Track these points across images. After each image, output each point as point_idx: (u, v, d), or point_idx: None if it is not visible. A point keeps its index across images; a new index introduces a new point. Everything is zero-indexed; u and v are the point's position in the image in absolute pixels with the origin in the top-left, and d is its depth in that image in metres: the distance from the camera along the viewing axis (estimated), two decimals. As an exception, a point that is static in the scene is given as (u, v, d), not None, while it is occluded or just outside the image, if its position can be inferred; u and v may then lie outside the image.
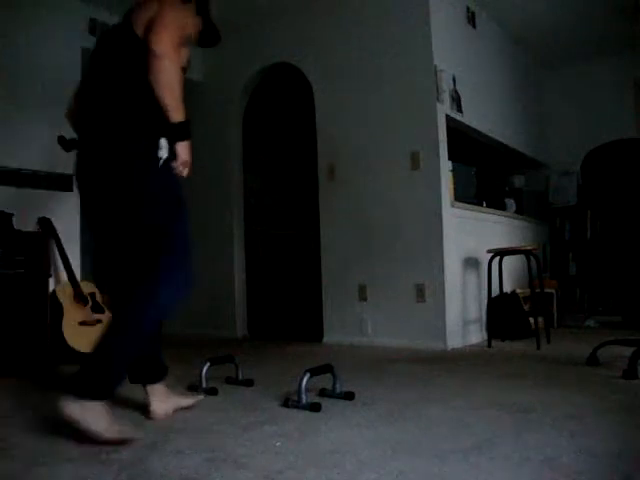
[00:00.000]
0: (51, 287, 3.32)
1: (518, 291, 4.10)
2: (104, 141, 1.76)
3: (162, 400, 1.93)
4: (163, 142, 1.73)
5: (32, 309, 3.14)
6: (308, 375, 2.01)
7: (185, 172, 1.79)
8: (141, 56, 1.69)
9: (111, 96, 1.77)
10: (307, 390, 2.00)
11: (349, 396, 2.09)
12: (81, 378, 1.61)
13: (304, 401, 1.96)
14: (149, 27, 1.69)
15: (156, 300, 1.70)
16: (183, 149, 1.75)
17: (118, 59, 1.79)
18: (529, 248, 3.68)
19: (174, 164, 1.75)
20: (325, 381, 2.16)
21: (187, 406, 1.98)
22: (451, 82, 3.77)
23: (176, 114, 1.70)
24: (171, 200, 1.79)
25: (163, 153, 1.73)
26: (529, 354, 3.19)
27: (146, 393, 1.94)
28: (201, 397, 1.94)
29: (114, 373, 1.65)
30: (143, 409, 1.96)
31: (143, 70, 1.68)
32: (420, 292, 3.54)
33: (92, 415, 1.55)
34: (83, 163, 1.84)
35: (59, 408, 1.56)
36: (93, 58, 1.90)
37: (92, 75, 1.88)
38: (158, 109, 1.70)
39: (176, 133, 1.73)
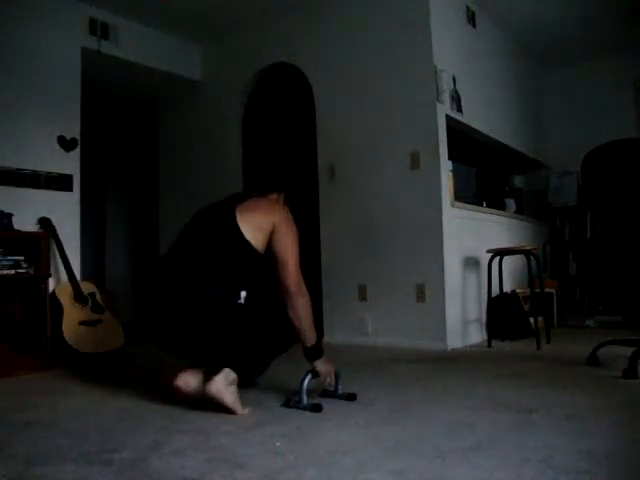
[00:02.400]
0: (51, 287, 3.32)
1: (518, 291, 4.10)
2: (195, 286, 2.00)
3: (224, 385, 1.93)
4: (243, 293, 2.01)
5: (32, 309, 3.14)
6: (310, 376, 2.01)
7: (331, 378, 2.12)
8: (241, 252, 2.02)
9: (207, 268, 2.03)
10: (309, 391, 2.00)
11: (351, 397, 2.09)
12: (238, 362, 1.99)
13: (305, 402, 1.96)
14: (276, 249, 2.02)
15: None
16: (321, 365, 2.06)
17: (218, 248, 2.05)
18: (529, 248, 3.68)
19: (321, 378, 2.09)
20: (326, 381, 2.17)
21: (231, 409, 1.92)
22: (451, 82, 3.77)
23: (310, 339, 2.04)
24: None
25: (241, 300, 2.01)
26: (529, 354, 3.19)
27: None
28: (246, 412, 1.94)
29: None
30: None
31: (238, 255, 2.03)
32: (420, 292, 3.54)
33: (229, 394, 1.92)
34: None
35: (206, 387, 1.91)
36: (188, 233, 2.20)
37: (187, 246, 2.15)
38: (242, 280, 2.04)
39: (313, 354, 2.05)
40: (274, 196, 2.30)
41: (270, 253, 2.05)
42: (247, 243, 2.02)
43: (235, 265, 2.04)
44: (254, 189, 2.35)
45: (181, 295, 1.98)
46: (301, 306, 2.01)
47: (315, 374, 2.04)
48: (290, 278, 2.00)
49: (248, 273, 2.07)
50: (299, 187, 4.98)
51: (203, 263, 2.03)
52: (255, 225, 2.04)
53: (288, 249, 2.03)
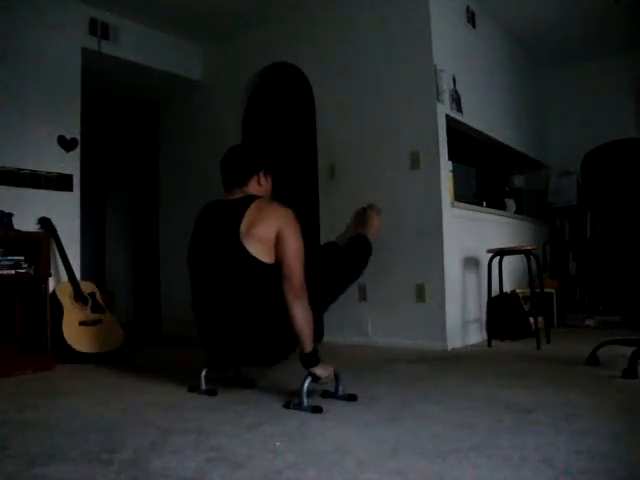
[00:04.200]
0: (51, 287, 3.32)
1: (518, 291, 4.10)
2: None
3: None
4: None
5: (32, 309, 3.14)
6: (310, 379, 2.01)
7: (329, 379, 2.11)
8: (265, 275, 2.06)
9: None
10: (309, 393, 1.99)
11: (351, 398, 2.09)
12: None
13: (305, 404, 1.96)
14: (281, 254, 2.04)
15: None
16: (320, 371, 2.05)
17: (245, 279, 2.08)
18: (529, 248, 3.68)
19: (320, 382, 2.08)
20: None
21: None
22: (451, 82, 3.77)
23: (309, 345, 2.03)
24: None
25: None
26: (529, 354, 3.19)
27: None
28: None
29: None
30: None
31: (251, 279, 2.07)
32: (420, 292, 3.54)
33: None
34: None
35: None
36: (197, 242, 2.25)
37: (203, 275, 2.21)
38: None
39: (310, 361, 2.04)
40: (255, 179, 2.27)
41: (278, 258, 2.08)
42: (265, 265, 2.05)
43: (268, 286, 2.07)
44: (234, 183, 2.28)
45: (243, 319, 2.09)
46: (303, 310, 2.02)
47: (315, 378, 2.04)
48: (296, 284, 2.02)
49: (279, 291, 2.08)
50: (299, 187, 5.00)
51: (239, 293, 2.09)
52: (262, 243, 2.06)
53: (293, 255, 2.05)
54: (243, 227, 2.06)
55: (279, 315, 2.05)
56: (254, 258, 2.04)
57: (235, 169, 2.30)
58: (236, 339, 2.14)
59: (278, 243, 2.06)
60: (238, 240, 2.05)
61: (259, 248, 2.05)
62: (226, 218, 2.15)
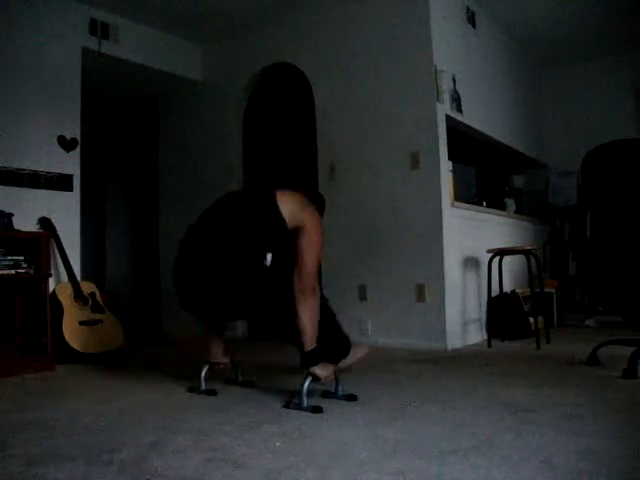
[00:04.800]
0: (51, 287, 3.32)
1: (518, 291, 4.10)
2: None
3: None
4: (269, 256, 2.11)
5: (32, 309, 3.14)
6: (310, 378, 2.01)
7: (330, 379, 2.09)
8: (274, 224, 2.09)
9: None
10: (309, 392, 1.99)
11: (351, 398, 2.09)
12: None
13: (305, 404, 1.96)
14: (300, 247, 2.06)
15: None
16: (320, 370, 2.04)
17: (252, 217, 2.14)
18: (529, 248, 3.68)
19: (320, 382, 2.06)
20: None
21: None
22: (451, 82, 3.77)
23: (310, 344, 2.02)
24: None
25: (267, 263, 2.12)
26: (529, 354, 3.19)
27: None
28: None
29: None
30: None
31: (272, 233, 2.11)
32: (420, 292, 3.54)
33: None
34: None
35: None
36: (219, 206, 2.30)
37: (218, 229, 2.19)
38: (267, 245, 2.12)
39: (311, 360, 2.03)
40: (307, 200, 2.36)
41: (294, 242, 2.10)
42: (282, 219, 2.08)
43: (265, 233, 2.12)
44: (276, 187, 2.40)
45: (210, 254, 2.10)
46: (311, 308, 2.03)
47: (315, 378, 2.04)
48: (306, 279, 2.04)
49: (275, 243, 2.12)
50: (299, 187, 4.98)
51: (234, 227, 2.13)
52: (290, 210, 2.11)
53: (310, 250, 2.07)
54: (278, 192, 2.16)
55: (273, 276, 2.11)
56: (282, 217, 2.08)
57: (284, 181, 2.56)
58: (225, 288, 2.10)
59: (299, 234, 2.08)
60: (273, 197, 2.12)
61: (285, 210, 2.09)
62: (261, 185, 2.36)
